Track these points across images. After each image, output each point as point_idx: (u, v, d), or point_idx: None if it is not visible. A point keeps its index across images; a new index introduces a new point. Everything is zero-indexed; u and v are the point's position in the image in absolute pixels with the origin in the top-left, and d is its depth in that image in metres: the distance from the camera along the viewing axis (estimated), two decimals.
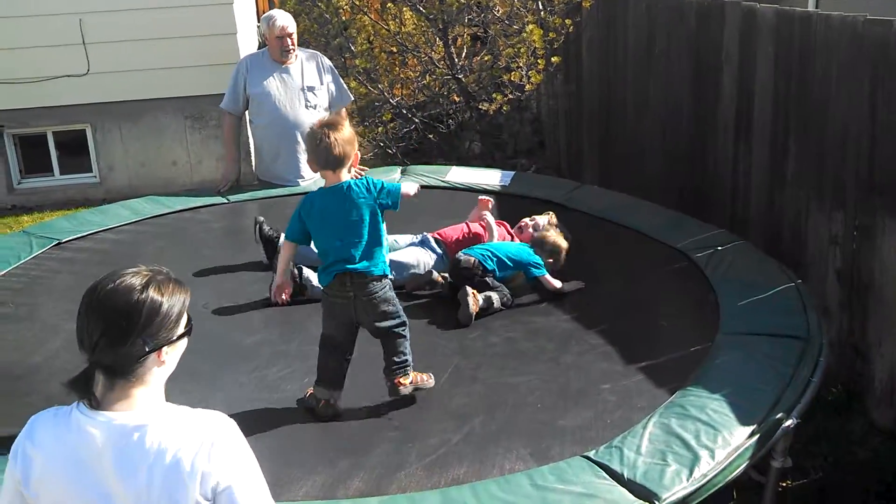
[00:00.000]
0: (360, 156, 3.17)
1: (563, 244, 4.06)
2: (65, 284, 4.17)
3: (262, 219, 4.28)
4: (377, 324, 2.96)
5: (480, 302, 3.67)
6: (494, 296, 3.74)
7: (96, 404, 1.69)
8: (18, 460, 1.72)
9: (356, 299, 2.92)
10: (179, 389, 3.09)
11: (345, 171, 2.99)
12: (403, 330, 3.00)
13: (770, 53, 4.65)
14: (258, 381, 3.20)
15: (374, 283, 2.93)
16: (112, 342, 1.66)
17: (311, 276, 3.82)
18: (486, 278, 3.81)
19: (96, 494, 1.67)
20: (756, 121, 4.84)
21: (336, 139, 2.91)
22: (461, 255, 3.89)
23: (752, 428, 2.75)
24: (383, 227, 3.00)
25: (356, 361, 3.05)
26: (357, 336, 3.03)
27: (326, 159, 2.94)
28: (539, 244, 4.06)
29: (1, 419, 2.96)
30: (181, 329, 1.76)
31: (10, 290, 4.12)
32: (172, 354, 1.76)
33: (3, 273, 4.27)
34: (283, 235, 3.91)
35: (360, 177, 4.53)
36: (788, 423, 2.81)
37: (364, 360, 3.08)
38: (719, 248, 4.16)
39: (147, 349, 1.68)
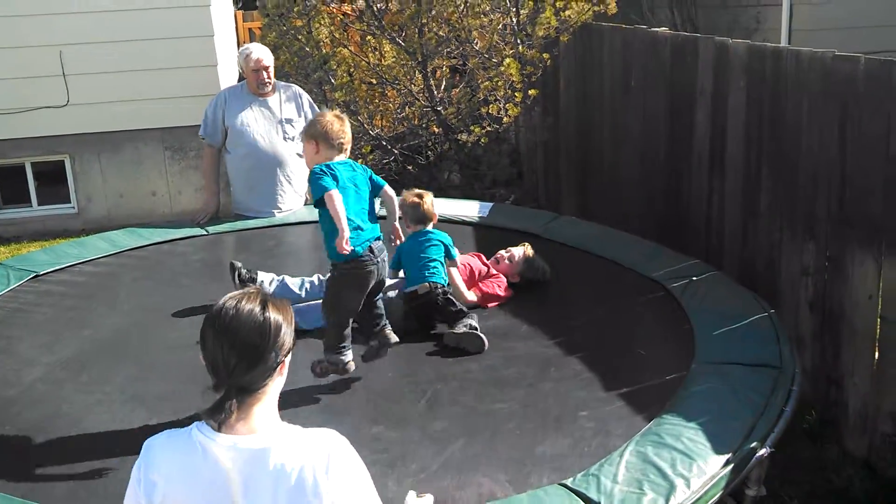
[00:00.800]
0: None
1: (533, 257, 4.29)
2: (43, 317, 4.16)
3: (238, 264, 4.24)
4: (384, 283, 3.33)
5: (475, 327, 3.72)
6: (472, 322, 3.77)
7: (219, 426, 1.76)
8: (142, 486, 1.77)
9: (382, 263, 3.27)
10: (160, 417, 3.14)
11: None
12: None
13: (742, 88, 4.75)
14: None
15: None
16: (250, 364, 1.77)
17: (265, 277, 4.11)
18: (447, 296, 3.83)
19: None
20: (729, 154, 4.93)
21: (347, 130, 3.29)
22: (412, 288, 3.87)
23: (726, 457, 2.78)
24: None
25: (333, 385, 3.07)
26: None
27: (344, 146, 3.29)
28: (522, 271, 4.25)
29: None
30: (292, 340, 1.87)
31: None
32: (287, 364, 1.86)
33: None
34: (259, 275, 3.97)
35: None
36: (762, 451, 2.85)
37: (341, 382, 3.10)
38: (694, 278, 4.22)
39: (276, 361, 1.80)
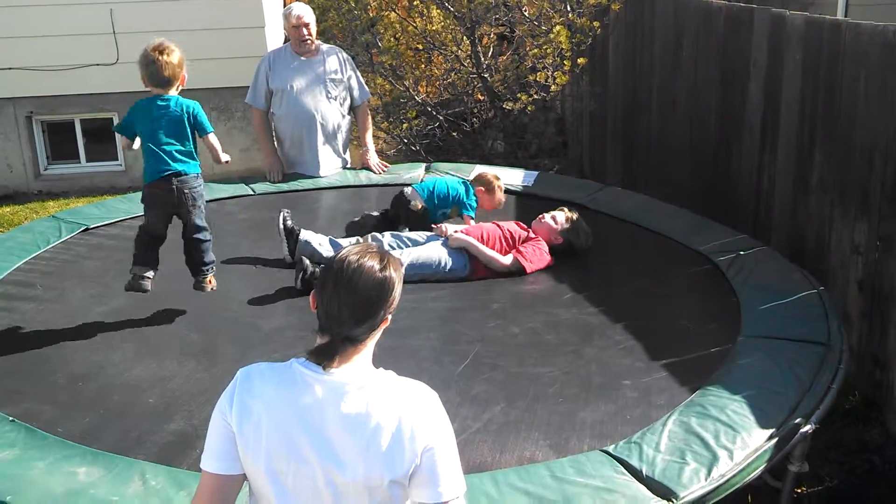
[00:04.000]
0: (186, 77, 3.67)
1: (576, 219, 4.37)
2: (92, 269, 4.24)
3: (287, 212, 4.31)
4: (194, 218, 3.63)
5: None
6: None
7: (326, 366, 1.82)
8: (235, 409, 1.82)
9: (181, 192, 3.57)
10: (204, 368, 3.19)
11: (173, 89, 3.60)
12: (207, 235, 3.68)
13: (798, 61, 4.65)
14: (280, 361, 3.23)
15: (193, 180, 3.62)
16: (365, 316, 1.83)
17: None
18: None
19: (319, 443, 1.78)
20: (782, 128, 4.84)
21: (167, 61, 3.54)
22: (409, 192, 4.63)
23: (771, 431, 2.76)
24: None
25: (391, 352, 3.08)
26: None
27: (158, 78, 3.55)
28: (565, 232, 4.31)
29: (27, 396, 3.04)
30: (399, 297, 1.93)
31: (40, 272, 4.18)
32: (389, 319, 1.91)
33: (32, 256, 4.34)
34: (303, 233, 4.05)
35: (382, 173, 4.78)
36: (807, 428, 2.82)
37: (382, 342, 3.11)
38: (742, 252, 4.17)
39: (383, 319, 1.87)
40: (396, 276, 1.89)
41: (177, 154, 3.60)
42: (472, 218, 4.64)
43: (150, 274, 3.66)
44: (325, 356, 1.82)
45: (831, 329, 3.40)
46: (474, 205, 4.69)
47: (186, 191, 3.60)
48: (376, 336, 1.90)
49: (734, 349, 3.27)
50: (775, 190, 4.94)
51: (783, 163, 4.85)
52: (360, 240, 4.29)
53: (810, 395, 2.96)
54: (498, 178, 4.81)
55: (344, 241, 4.28)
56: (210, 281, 3.72)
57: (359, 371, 1.84)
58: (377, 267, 1.85)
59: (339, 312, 1.82)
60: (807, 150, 4.63)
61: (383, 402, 1.79)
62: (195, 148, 3.66)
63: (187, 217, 3.64)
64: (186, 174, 3.60)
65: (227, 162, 3.81)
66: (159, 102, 3.59)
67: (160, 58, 3.54)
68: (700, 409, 2.84)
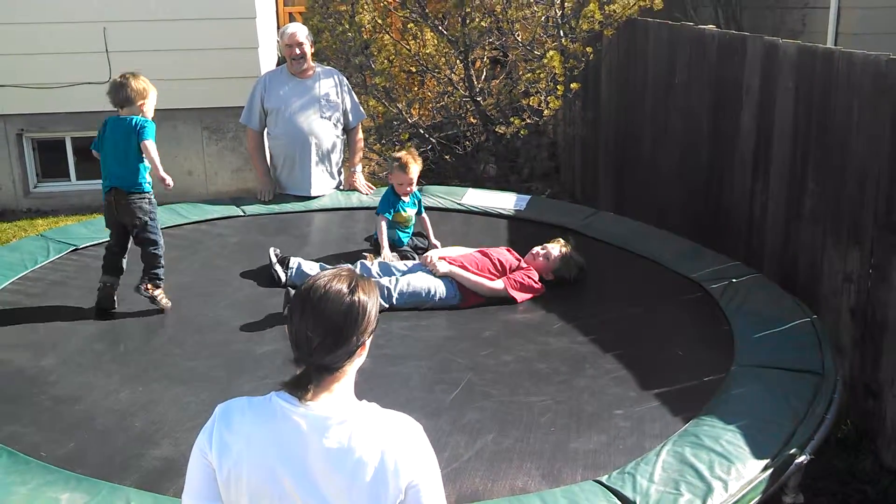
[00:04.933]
0: (147, 107, 3.90)
1: (570, 255, 4.30)
2: (80, 290, 4.18)
3: (275, 249, 4.37)
4: (137, 231, 3.90)
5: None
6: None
7: (299, 398, 1.78)
8: (214, 446, 1.79)
9: (118, 205, 3.87)
10: (192, 393, 3.15)
11: (127, 110, 3.87)
12: (157, 249, 3.93)
13: (790, 89, 4.66)
14: (270, 387, 3.17)
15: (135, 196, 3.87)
16: (333, 345, 1.78)
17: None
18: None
19: (301, 479, 1.74)
20: (774, 155, 4.85)
21: (124, 83, 3.85)
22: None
23: (765, 462, 2.73)
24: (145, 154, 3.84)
25: (366, 374, 3.04)
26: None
27: (114, 97, 3.87)
28: (557, 269, 4.23)
29: (10, 418, 2.99)
30: (375, 322, 1.87)
31: (27, 293, 4.13)
32: (367, 345, 1.87)
33: (19, 276, 4.29)
34: (292, 261, 4.08)
35: (369, 194, 4.79)
36: (802, 458, 2.80)
37: (375, 371, 3.07)
38: (734, 279, 4.16)
39: (358, 345, 1.81)
40: (368, 300, 1.83)
41: (118, 170, 3.88)
42: (387, 218, 4.55)
43: (110, 282, 3.94)
44: (299, 387, 1.77)
45: (825, 358, 3.39)
46: (389, 202, 4.60)
47: (124, 203, 3.87)
48: (355, 363, 1.85)
49: (728, 378, 3.25)
50: (767, 217, 4.95)
51: (775, 190, 4.86)
52: (352, 267, 4.26)
53: (805, 426, 2.94)
54: (404, 153, 4.68)
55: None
56: (148, 288, 3.90)
57: (340, 403, 1.80)
58: (345, 290, 1.80)
59: (309, 341, 1.77)
60: (799, 178, 4.64)
61: (366, 436, 1.75)
62: (140, 165, 3.88)
63: (132, 229, 3.93)
64: (124, 189, 3.86)
65: (168, 185, 3.88)
66: (116, 120, 3.91)
67: (120, 80, 3.88)
68: (694, 439, 2.81)
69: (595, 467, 2.72)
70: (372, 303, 1.84)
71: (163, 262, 3.97)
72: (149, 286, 3.91)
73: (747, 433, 2.84)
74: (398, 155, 4.67)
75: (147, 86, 3.92)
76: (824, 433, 2.96)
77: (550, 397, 3.17)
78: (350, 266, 4.23)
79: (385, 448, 1.75)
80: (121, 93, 3.86)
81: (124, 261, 4.01)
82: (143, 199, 3.91)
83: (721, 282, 4.15)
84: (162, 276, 3.97)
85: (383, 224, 4.53)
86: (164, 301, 3.95)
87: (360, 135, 5.94)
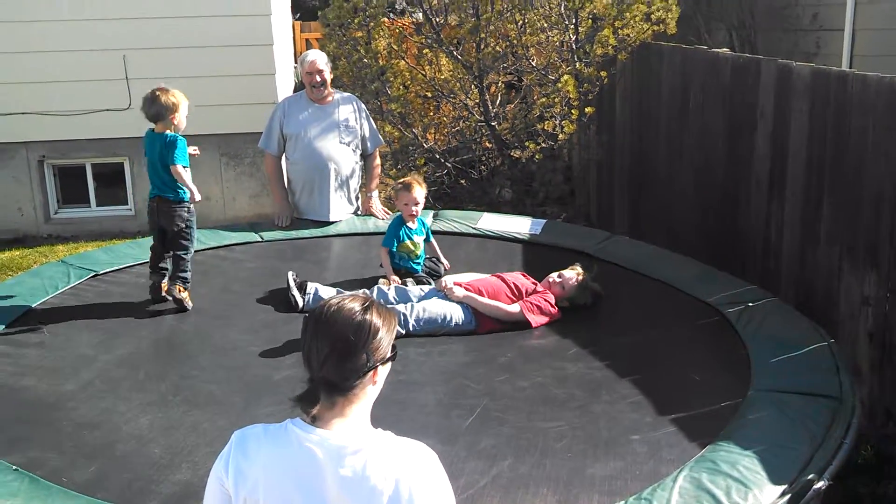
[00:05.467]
0: (179, 119, 4.19)
1: (586, 282, 4.30)
2: (100, 315, 4.23)
3: (293, 274, 4.42)
4: (172, 236, 4.24)
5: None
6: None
7: (314, 420, 1.80)
8: (231, 474, 1.81)
9: (160, 211, 4.24)
10: (210, 418, 3.17)
11: (161, 125, 4.16)
12: (186, 254, 4.26)
13: (805, 111, 4.67)
14: (287, 412, 3.20)
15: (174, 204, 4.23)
16: (341, 357, 1.80)
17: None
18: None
19: None
20: (789, 178, 4.85)
21: (155, 99, 4.11)
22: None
23: (783, 487, 2.71)
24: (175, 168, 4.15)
25: (382, 399, 3.06)
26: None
27: (146, 112, 4.15)
28: (573, 297, 4.23)
29: (31, 444, 3.02)
30: (390, 351, 1.89)
31: (47, 319, 4.18)
32: (382, 375, 1.89)
33: (40, 301, 4.34)
34: (309, 286, 4.35)
35: (385, 219, 4.87)
36: (820, 484, 2.77)
37: (391, 396, 3.08)
38: (751, 303, 4.15)
39: (368, 364, 1.81)
40: (381, 323, 1.85)
41: (157, 180, 4.23)
42: (391, 250, 4.57)
43: (155, 279, 4.31)
44: (308, 401, 1.80)
45: (843, 382, 3.37)
46: (393, 234, 4.60)
47: (165, 210, 4.23)
48: (368, 390, 1.86)
49: (744, 403, 3.24)
50: (783, 240, 4.94)
51: (791, 213, 4.86)
52: (367, 292, 4.28)
53: (823, 451, 2.92)
54: (407, 178, 4.77)
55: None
56: (180, 290, 4.21)
57: (356, 431, 1.82)
58: (357, 309, 1.83)
59: (318, 353, 1.80)
60: (814, 201, 4.64)
61: (381, 465, 1.77)
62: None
63: (169, 233, 4.27)
64: (165, 198, 4.22)
65: (196, 200, 4.30)
66: (151, 135, 4.22)
67: (152, 95, 4.14)
68: (711, 465, 2.80)
69: (611, 493, 2.71)
70: (385, 328, 1.86)
71: (190, 266, 4.30)
72: (179, 287, 4.21)
73: (764, 458, 2.83)
74: (408, 180, 4.70)
75: (177, 99, 4.17)
76: (843, 458, 2.94)
77: (566, 423, 3.17)
78: (367, 291, 4.26)
79: (400, 476, 1.76)
80: (152, 108, 4.14)
81: (168, 260, 4.33)
82: (183, 207, 4.26)
83: (737, 306, 4.14)
84: (189, 279, 4.28)
85: (386, 255, 4.55)
86: (188, 302, 4.24)
87: (378, 160, 5.99)
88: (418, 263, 4.65)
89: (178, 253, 4.28)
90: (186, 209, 4.28)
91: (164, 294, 4.30)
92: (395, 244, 4.58)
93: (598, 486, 2.76)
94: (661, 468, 2.84)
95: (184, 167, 4.19)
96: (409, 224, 4.63)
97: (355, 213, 5.85)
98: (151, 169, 4.25)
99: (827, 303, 4.53)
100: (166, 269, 4.34)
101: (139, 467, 2.88)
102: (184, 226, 4.27)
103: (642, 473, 2.82)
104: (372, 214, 5.78)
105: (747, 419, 3.10)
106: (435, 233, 4.98)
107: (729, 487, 2.68)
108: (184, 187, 4.22)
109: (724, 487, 2.68)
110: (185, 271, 4.28)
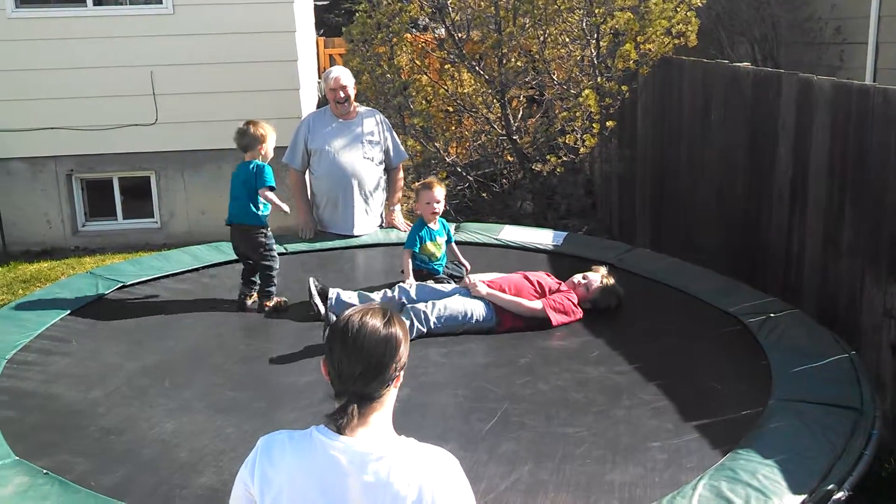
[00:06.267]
0: (266, 149, 4.50)
1: (610, 285, 4.34)
2: (127, 325, 4.31)
3: (315, 279, 4.46)
4: (255, 257, 4.53)
5: None
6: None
7: (338, 428, 1.85)
8: (256, 480, 1.86)
9: (236, 236, 4.56)
10: (235, 424, 3.22)
11: (249, 155, 4.47)
12: (271, 272, 4.51)
13: (827, 124, 4.68)
14: (310, 417, 3.26)
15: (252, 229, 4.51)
16: (375, 372, 1.88)
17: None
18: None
19: None
20: (811, 190, 4.85)
21: (244, 131, 4.46)
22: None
23: (802, 497, 2.71)
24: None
25: (403, 403, 3.09)
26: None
27: (237, 143, 4.49)
28: (596, 299, 4.27)
29: (61, 449, 3.08)
30: (406, 355, 1.97)
31: (75, 328, 4.26)
32: (401, 378, 1.96)
33: (69, 312, 4.42)
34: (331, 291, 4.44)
35: (407, 231, 4.91)
36: (840, 494, 2.77)
37: (412, 400, 3.12)
38: (772, 315, 4.15)
39: (394, 376, 1.90)
40: (401, 333, 1.93)
41: (232, 208, 4.51)
42: (414, 252, 4.65)
43: (244, 291, 4.55)
44: (343, 417, 1.84)
45: (864, 393, 3.36)
46: (415, 236, 4.68)
47: (239, 236, 4.54)
48: (392, 393, 1.92)
49: (765, 412, 3.24)
50: (805, 252, 4.94)
51: (813, 225, 4.85)
52: (388, 292, 4.33)
53: (843, 461, 2.91)
54: (433, 180, 4.84)
55: (375, 296, 4.33)
56: (266, 305, 4.49)
57: (379, 438, 1.86)
58: (380, 324, 1.91)
59: (351, 370, 1.86)
60: (836, 213, 4.63)
61: (404, 471, 1.81)
62: (251, 204, 4.45)
63: (253, 259, 4.54)
64: (243, 224, 4.50)
65: (286, 212, 4.65)
66: (241, 164, 4.51)
67: (243, 127, 4.49)
68: (731, 473, 2.81)
69: (631, 500, 2.72)
70: (404, 337, 1.94)
71: (276, 280, 4.55)
72: (266, 304, 4.48)
73: (784, 468, 2.83)
74: (427, 180, 4.82)
75: (265, 131, 4.50)
76: (863, 469, 2.93)
77: (586, 428, 3.19)
78: (388, 291, 4.31)
79: (423, 482, 1.80)
80: (243, 139, 4.48)
81: (256, 276, 4.57)
82: (258, 232, 4.53)
83: (758, 317, 4.14)
84: (273, 292, 4.53)
85: (408, 257, 4.62)
86: (282, 301, 4.52)
87: (401, 174, 6.04)
88: (440, 265, 4.72)
89: (265, 272, 4.53)
90: (262, 233, 4.52)
91: (249, 305, 4.53)
92: (419, 245, 4.63)
93: (617, 493, 2.77)
94: (680, 476, 2.85)
95: (271, 188, 4.44)
96: (431, 225, 4.69)
97: (379, 226, 5.90)
98: (231, 196, 4.52)
99: (849, 315, 4.52)
100: (255, 283, 4.57)
101: (165, 472, 2.93)
102: (263, 250, 4.52)
103: (662, 481, 2.83)
104: (394, 227, 5.84)
105: (767, 428, 3.11)
106: (457, 244, 5.02)
107: (748, 496, 2.68)
108: (257, 214, 4.47)
109: (744, 496, 2.68)
110: (272, 286, 4.53)
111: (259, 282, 4.56)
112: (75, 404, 3.47)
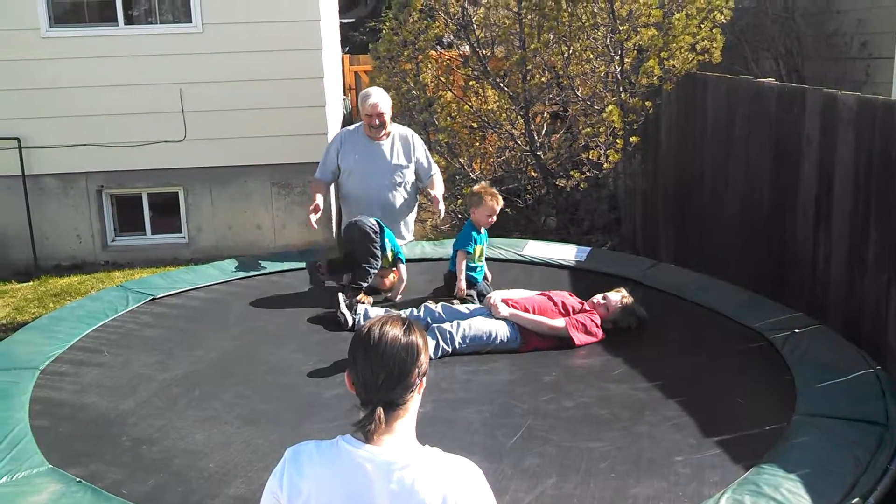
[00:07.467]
0: None
1: (630, 305, 4.34)
2: (158, 337, 4.39)
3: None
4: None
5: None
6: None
7: (366, 438, 1.90)
8: (284, 489, 1.91)
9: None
10: (263, 434, 3.27)
11: None
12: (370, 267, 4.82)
13: (851, 140, 4.68)
14: (337, 429, 3.28)
15: None
16: (398, 379, 1.92)
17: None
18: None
19: None
20: (836, 205, 4.85)
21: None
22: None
23: None
24: None
25: (429, 417, 3.13)
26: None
27: None
28: (616, 319, 4.28)
29: (93, 458, 3.15)
30: (427, 362, 2.02)
31: (107, 340, 4.34)
32: (423, 385, 2.01)
33: (101, 324, 4.51)
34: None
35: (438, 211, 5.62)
36: None
37: (437, 414, 3.16)
38: (797, 330, 4.15)
39: (417, 382, 1.94)
40: (421, 340, 1.98)
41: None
42: (469, 253, 4.80)
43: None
44: (371, 423, 1.88)
45: (889, 409, 3.36)
46: (470, 236, 4.83)
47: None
48: (415, 401, 1.97)
49: (789, 427, 3.25)
50: (830, 267, 4.93)
51: (838, 240, 4.85)
52: (415, 311, 4.38)
53: (867, 476, 2.92)
54: (485, 187, 4.98)
55: (401, 314, 4.38)
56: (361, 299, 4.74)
57: (404, 447, 1.90)
58: (400, 332, 1.96)
59: (376, 378, 1.91)
60: (861, 228, 4.63)
61: (429, 480, 1.84)
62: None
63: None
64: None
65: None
66: None
67: None
68: (754, 488, 2.82)
69: None
70: (424, 344, 1.99)
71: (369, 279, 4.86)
72: (362, 297, 4.76)
73: (808, 482, 2.84)
74: (489, 190, 4.93)
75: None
76: (888, 484, 2.93)
77: (610, 443, 3.21)
78: (414, 310, 4.36)
79: (447, 491, 1.83)
80: None
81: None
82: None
83: (783, 332, 4.15)
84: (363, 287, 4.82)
85: (463, 258, 4.76)
86: (367, 300, 4.77)
87: (440, 178, 5.87)
88: (479, 273, 4.86)
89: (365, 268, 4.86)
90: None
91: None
92: (472, 247, 4.81)
93: None
94: (703, 490, 2.87)
95: None
96: (481, 231, 4.89)
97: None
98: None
99: (875, 330, 4.50)
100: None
101: (195, 481, 2.99)
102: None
103: (685, 495, 2.85)
104: (434, 202, 5.58)
105: (791, 443, 3.11)
106: None
107: None
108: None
109: None
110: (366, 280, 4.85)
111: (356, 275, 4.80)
112: (107, 414, 3.54)
